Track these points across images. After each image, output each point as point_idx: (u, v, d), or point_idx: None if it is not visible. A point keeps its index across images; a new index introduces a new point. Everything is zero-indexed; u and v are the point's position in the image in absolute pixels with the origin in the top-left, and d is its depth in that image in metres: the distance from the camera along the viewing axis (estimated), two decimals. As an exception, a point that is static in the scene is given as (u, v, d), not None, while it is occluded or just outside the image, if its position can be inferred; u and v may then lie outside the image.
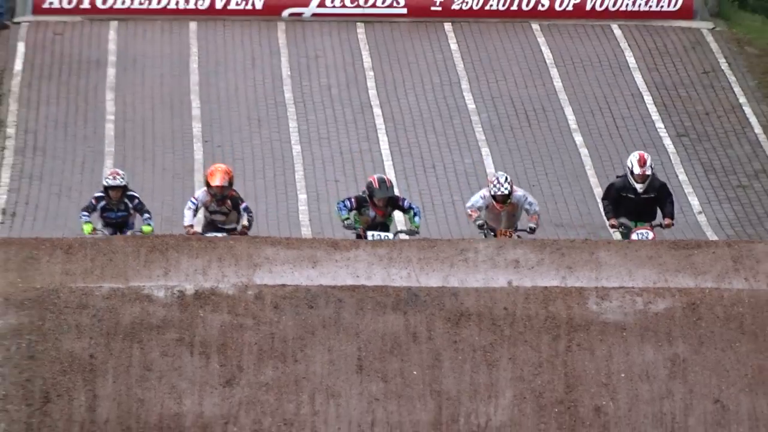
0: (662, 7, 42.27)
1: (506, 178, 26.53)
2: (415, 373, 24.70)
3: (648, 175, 26.41)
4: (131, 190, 26.69)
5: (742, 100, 41.74)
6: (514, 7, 38.71)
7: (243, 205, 27.31)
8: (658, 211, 27.47)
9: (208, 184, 26.79)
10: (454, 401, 24.48)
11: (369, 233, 25.17)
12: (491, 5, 39.78)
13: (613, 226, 27.57)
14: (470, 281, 25.45)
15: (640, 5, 42.85)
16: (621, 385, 24.54)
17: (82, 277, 24.37)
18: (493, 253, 26.14)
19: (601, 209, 27.17)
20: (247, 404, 23.84)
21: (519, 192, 26.75)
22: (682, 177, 38.21)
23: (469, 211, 27.07)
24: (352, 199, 25.34)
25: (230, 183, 26.90)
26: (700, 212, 34.81)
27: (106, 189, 25.97)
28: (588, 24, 43.76)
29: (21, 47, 43.50)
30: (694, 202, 35.12)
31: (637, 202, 26.38)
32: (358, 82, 42.03)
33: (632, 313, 25.12)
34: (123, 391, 23.69)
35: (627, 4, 42.02)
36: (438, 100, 40.82)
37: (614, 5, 42.82)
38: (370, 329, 24.24)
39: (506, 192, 25.93)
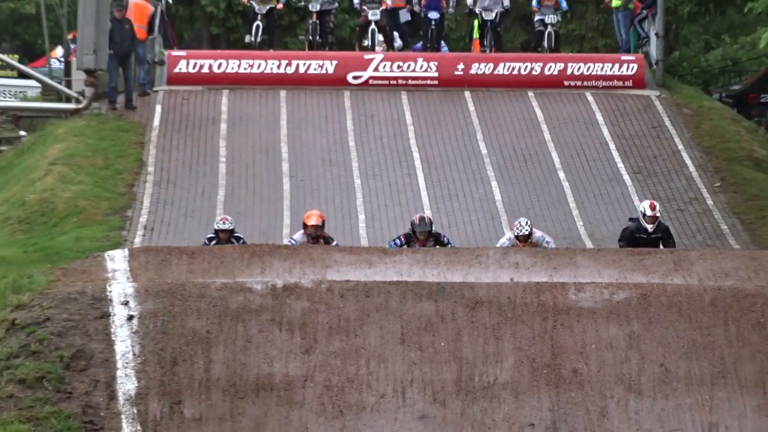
0: (623, 80, 43.36)
1: (527, 222, 26.04)
2: (442, 344, 24.26)
3: (657, 218, 26.11)
4: (237, 232, 25.71)
5: (680, 147, 42.02)
6: (515, 77, 38.57)
7: (333, 243, 25.62)
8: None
9: (305, 225, 25.43)
10: (470, 365, 24.11)
11: None
12: (498, 71, 38.41)
13: None
14: (483, 278, 25.28)
15: (605, 78, 44.09)
16: (592, 353, 24.15)
17: (201, 274, 24.63)
18: (500, 258, 26.26)
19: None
20: (320, 367, 23.63)
21: (538, 233, 26.34)
22: (637, 203, 40.13)
23: None
24: (402, 237, 24.48)
25: (323, 225, 25.53)
26: (650, 229, 39.04)
27: (217, 231, 25.13)
28: (568, 92, 44.68)
29: (158, 108, 43.64)
30: (646, 223, 39.23)
31: (648, 242, 25.92)
32: (402, 134, 42.14)
33: (600, 301, 24.95)
34: (230, 357, 23.66)
35: (596, 77, 43.49)
36: (460, 147, 41.52)
37: (588, 78, 44.39)
38: (410, 312, 24.00)
39: (526, 233, 25.50)
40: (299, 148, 41.59)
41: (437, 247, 24.82)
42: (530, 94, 42.47)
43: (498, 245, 26.75)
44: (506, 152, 40.62)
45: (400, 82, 40.37)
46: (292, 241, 25.66)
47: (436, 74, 40.13)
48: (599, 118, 42.06)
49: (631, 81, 41.01)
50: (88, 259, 27.23)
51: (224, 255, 26.98)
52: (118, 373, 22.85)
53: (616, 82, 42.13)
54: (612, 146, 40.82)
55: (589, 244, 33.06)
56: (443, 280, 25.48)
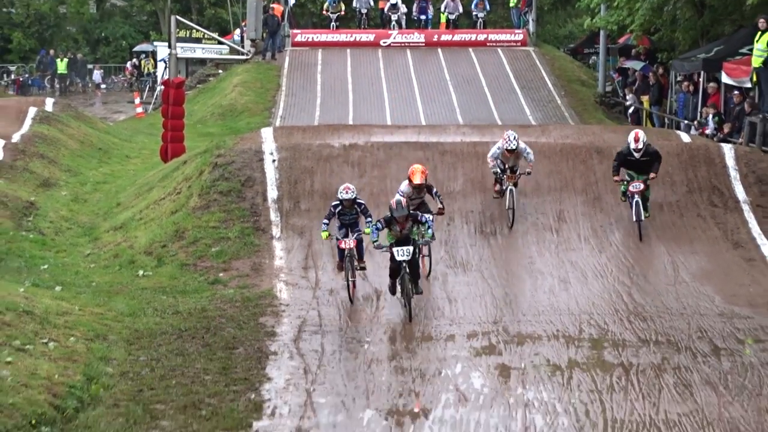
0: (516, 43, 55.25)
1: (515, 137, 26.44)
2: (427, 172, 27.72)
3: (641, 148, 26.39)
4: (360, 199, 24.79)
5: (544, 75, 49.79)
6: (463, 41, 56.64)
7: (434, 190, 25.63)
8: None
9: (410, 180, 25.35)
10: (441, 182, 29.59)
11: (394, 249, 23.25)
12: (455, 38, 57.59)
13: (616, 181, 26.77)
14: (447, 140, 31.85)
15: (507, 42, 55.46)
16: None
17: (308, 139, 31.97)
18: (455, 130, 34.39)
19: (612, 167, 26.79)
20: (368, 184, 29.35)
21: (522, 144, 26.31)
22: (523, 104, 48.47)
23: (490, 161, 26.79)
24: (382, 221, 23.66)
25: (426, 179, 25.37)
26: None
27: (341, 200, 24.45)
28: (489, 49, 55.50)
29: (287, 59, 52.13)
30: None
31: (637, 163, 26.59)
32: (407, 71, 52.55)
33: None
34: (323, 180, 29.69)
35: (503, 42, 55.66)
36: (436, 76, 52.85)
37: (499, 42, 55.73)
38: (411, 156, 29.59)
39: (513, 147, 26.33)
40: (356, 78, 49.48)
41: (416, 226, 23.94)
42: (470, 50, 52.96)
43: (489, 155, 27.05)
44: (458, 79, 49.01)
45: (405, 45, 55.03)
46: (401, 192, 25.22)
47: (423, 41, 55.05)
48: (504, 60, 51.21)
49: (520, 43, 54.70)
50: (253, 132, 33.97)
51: (319, 129, 34.15)
52: (268, 187, 28.96)
53: (512, 44, 54.14)
54: (511, 75, 48.69)
55: (500, 122, 41.81)
56: (428, 141, 31.24)
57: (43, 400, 17.85)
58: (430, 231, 23.80)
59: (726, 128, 37.63)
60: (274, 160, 29.92)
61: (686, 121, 40.69)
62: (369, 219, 24.84)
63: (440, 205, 25.52)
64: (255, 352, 21.00)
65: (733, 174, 29.68)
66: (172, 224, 28.20)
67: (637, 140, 26.37)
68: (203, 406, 18.28)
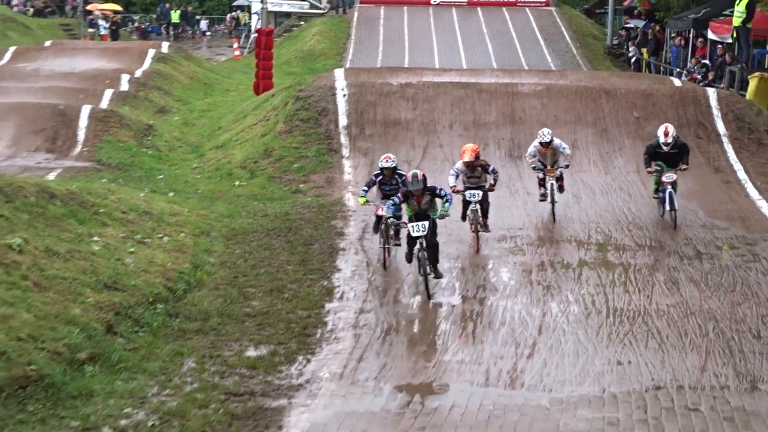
0: (540, 4, 54.09)
1: (549, 132, 22.93)
2: (467, 107, 29.85)
3: (670, 142, 22.78)
4: (400, 170, 20.87)
5: (563, 30, 49.84)
6: (497, 2, 54.82)
7: (490, 168, 21.59)
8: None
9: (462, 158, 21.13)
10: (479, 114, 29.61)
11: (409, 225, 18.79)
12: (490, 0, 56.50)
13: (649, 172, 23.37)
14: (484, 80, 31.18)
15: (533, 2, 54.37)
16: (527, 110, 29.84)
17: (372, 78, 31.56)
18: (490, 73, 33.64)
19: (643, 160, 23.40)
20: (419, 115, 29.26)
21: (557, 141, 22.96)
22: (546, 54, 47.84)
23: (528, 158, 23.41)
24: (400, 195, 19.19)
25: (476, 157, 21.35)
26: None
27: (382, 169, 20.59)
28: (518, 8, 54.65)
29: (356, 14, 52.19)
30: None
31: (666, 155, 22.97)
32: (451, 25, 52.43)
33: (531, 90, 30.24)
34: (383, 111, 29.43)
35: (529, 1, 54.63)
36: (474, 30, 51.99)
37: (527, 2, 54.63)
38: (454, 93, 29.86)
39: (548, 140, 22.70)
40: (411, 30, 49.42)
41: (434, 199, 19.24)
42: (503, 9, 52.84)
43: (527, 153, 23.62)
44: (493, 32, 48.70)
45: (451, 4, 55.04)
46: (454, 170, 21.54)
47: (466, 1, 55.33)
48: (531, 18, 50.99)
49: (544, 4, 54.14)
50: (327, 72, 33.95)
51: (381, 71, 33.79)
52: (339, 116, 29.05)
53: (538, 5, 54.02)
54: (536, 30, 48.54)
55: (526, 67, 41.80)
56: (468, 81, 30.89)
57: (159, 282, 18.05)
58: (447, 205, 19.04)
59: (710, 76, 37.94)
60: (344, 95, 29.66)
61: (678, 70, 40.70)
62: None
63: (492, 182, 21.50)
64: (328, 248, 21.05)
65: (716, 113, 29.56)
66: (262, 145, 28.22)
67: (666, 134, 22.94)
68: (286, 290, 18.33)
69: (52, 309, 15.45)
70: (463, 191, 21.04)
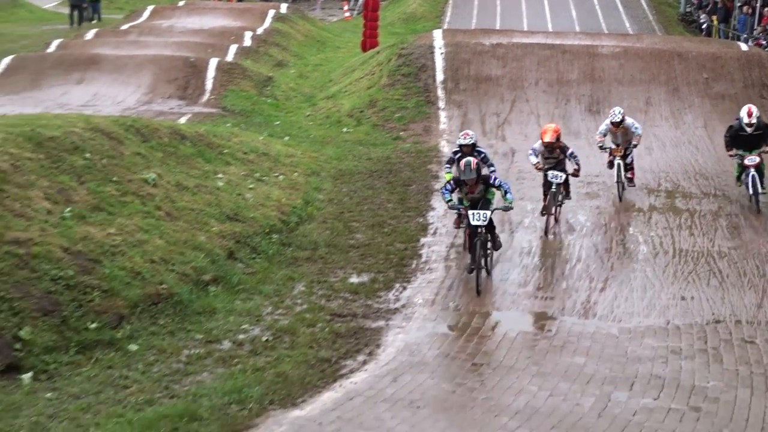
0: None
1: (620, 111, 20.15)
2: (552, 65, 28.96)
3: (754, 123, 19.99)
4: (479, 147, 18.07)
5: (645, 2, 47.85)
6: None
7: (569, 151, 18.59)
8: None
9: (542, 138, 18.63)
10: (561, 72, 28.79)
11: (470, 212, 15.94)
12: None
13: (731, 155, 20.55)
14: (567, 42, 30.17)
15: None
16: (605, 70, 28.90)
17: (467, 39, 30.29)
18: (574, 36, 32.65)
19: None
20: (508, 71, 28.50)
21: (629, 120, 20.25)
22: (621, 10, 45.22)
23: (597, 137, 20.51)
24: (452, 182, 16.36)
25: (557, 138, 18.38)
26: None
27: (461, 146, 17.72)
28: None
29: None
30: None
31: (749, 137, 20.13)
32: None
33: (610, 51, 29.44)
34: (476, 67, 28.64)
35: None
36: None
37: None
38: (540, 53, 29.05)
39: (618, 119, 19.99)
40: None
41: (491, 189, 16.37)
42: None
43: (598, 132, 20.84)
44: None
45: None
46: (533, 150, 18.72)
47: None
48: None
49: None
50: (427, 33, 32.87)
51: (474, 32, 32.96)
52: (437, 72, 28.42)
53: None
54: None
55: (606, 31, 40.22)
56: (553, 43, 29.92)
57: (274, 215, 18.27)
58: (509, 196, 16.22)
59: (775, 41, 35.02)
60: (441, 53, 29.12)
61: (745, 36, 39.43)
62: (492, 169, 17.72)
63: (576, 167, 18.62)
64: (423, 189, 20.88)
65: (779, 74, 26.94)
66: (367, 96, 27.91)
67: (750, 115, 20.10)
68: (386, 225, 18.36)
69: (182, 236, 15.87)
70: (546, 170, 18.46)
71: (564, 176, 18.41)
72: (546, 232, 18.08)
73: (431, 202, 19.77)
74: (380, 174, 21.90)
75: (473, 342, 13.54)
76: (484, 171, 16.39)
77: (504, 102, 26.87)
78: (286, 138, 24.47)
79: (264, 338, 13.36)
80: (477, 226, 15.67)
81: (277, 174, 20.53)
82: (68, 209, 14.93)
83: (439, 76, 28.15)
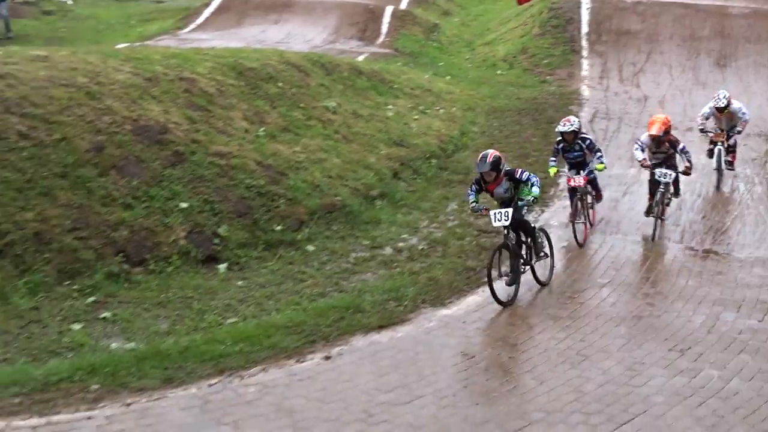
0: None
1: (725, 95, 16.58)
2: (686, 23, 26.96)
3: None
4: (583, 133, 14.24)
5: None
6: None
7: (680, 147, 14.39)
8: None
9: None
10: (698, 41, 26.83)
11: (491, 213, 11.68)
12: None
13: None
14: (702, 4, 27.64)
15: None
16: (734, 29, 26.77)
17: None
18: None
19: None
20: (646, 28, 26.65)
21: (735, 105, 16.69)
22: None
23: (699, 119, 17.05)
24: (474, 183, 11.92)
25: (666, 131, 14.28)
26: None
27: (562, 134, 14.01)
28: None
29: None
30: None
31: None
32: None
33: (739, 12, 27.18)
34: (617, 20, 27.06)
35: None
36: None
37: None
38: (676, 12, 27.07)
39: (723, 105, 16.48)
40: None
41: (514, 185, 11.95)
42: None
43: (699, 115, 17.41)
44: None
45: None
46: (638, 143, 14.52)
47: None
48: None
49: None
50: None
51: None
52: (582, 25, 27.13)
53: None
54: None
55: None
56: (688, 2, 27.91)
57: (434, 143, 18.13)
58: (534, 189, 11.86)
59: None
60: (587, 8, 27.89)
61: None
62: (599, 155, 14.11)
63: (687, 164, 14.36)
64: (564, 126, 19.81)
65: None
66: (520, 44, 27.10)
67: None
68: (530, 156, 17.90)
69: (355, 156, 16.02)
70: (653, 167, 14.27)
71: (674, 175, 14.31)
72: (653, 238, 14.09)
73: (570, 138, 18.79)
74: (527, 112, 21.21)
75: (598, 262, 13.35)
76: (511, 169, 11.87)
77: (640, 53, 25.73)
78: (448, 77, 24.08)
79: (420, 247, 13.38)
80: (502, 227, 11.57)
81: (438, 108, 20.23)
82: (262, 129, 15.26)
83: (584, 29, 27.00)
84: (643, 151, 14.29)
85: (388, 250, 13.16)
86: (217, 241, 12.51)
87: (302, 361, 9.66)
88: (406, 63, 25.36)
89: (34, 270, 11.06)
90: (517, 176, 11.69)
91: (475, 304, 11.38)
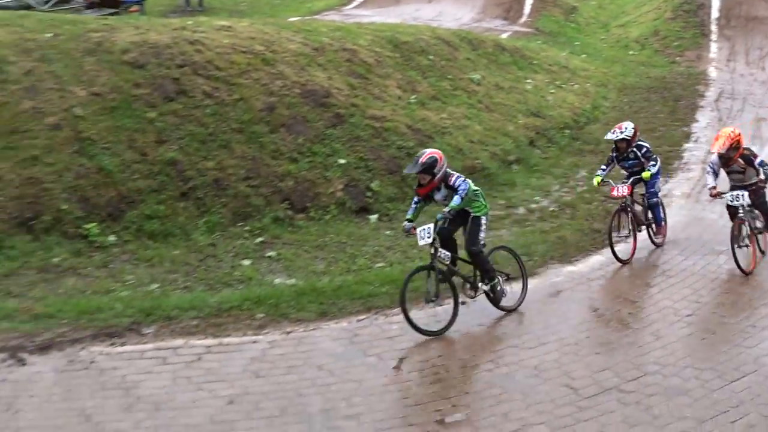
0: None
1: None
2: None
3: None
4: (640, 140, 11.50)
5: None
6: None
7: (757, 161, 10.66)
8: None
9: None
10: None
11: (417, 230, 8.95)
12: None
13: None
14: None
15: None
16: (759, 11, 23.70)
17: None
18: None
19: None
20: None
21: None
22: None
23: None
24: (416, 191, 9.22)
25: (734, 147, 10.60)
26: None
27: (615, 143, 11.39)
28: None
29: None
30: None
31: None
32: None
33: None
34: (748, 8, 25.54)
35: None
36: None
37: None
38: None
39: None
40: None
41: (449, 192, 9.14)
42: None
43: None
44: None
45: None
46: (710, 166, 10.96)
47: None
48: None
49: None
50: None
51: None
52: (712, 10, 25.46)
53: None
54: None
55: None
56: None
57: (568, 115, 17.66)
58: (455, 200, 9.07)
59: None
60: None
61: None
62: (653, 163, 11.51)
63: (762, 176, 10.66)
64: (690, 104, 19.45)
65: None
66: (652, 26, 25.80)
67: None
68: (656, 131, 17.22)
69: (495, 125, 15.81)
70: (726, 193, 10.69)
71: (746, 194, 10.61)
72: (744, 270, 10.59)
73: (695, 115, 18.47)
74: (656, 90, 20.43)
75: (719, 230, 12.52)
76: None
77: (767, 38, 23.98)
78: (583, 56, 23.38)
79: (550, 209, 13.20)
80: (428, 247, 8.96)
81: (573, 83, 19.73)
82: (413, 96, 15.28)
83: (714, 14, 25.64)
84: (716, 174, 10.79)
85: (521, 210, 13.03)
86: (369, 194, 12.71)
87: (441, 305, 9.46)
88: (545, 41, 24.63)
89: (212, 212, 11.63)
90: (450, 183, 8.89)
91: (599, 263, 11.16)
